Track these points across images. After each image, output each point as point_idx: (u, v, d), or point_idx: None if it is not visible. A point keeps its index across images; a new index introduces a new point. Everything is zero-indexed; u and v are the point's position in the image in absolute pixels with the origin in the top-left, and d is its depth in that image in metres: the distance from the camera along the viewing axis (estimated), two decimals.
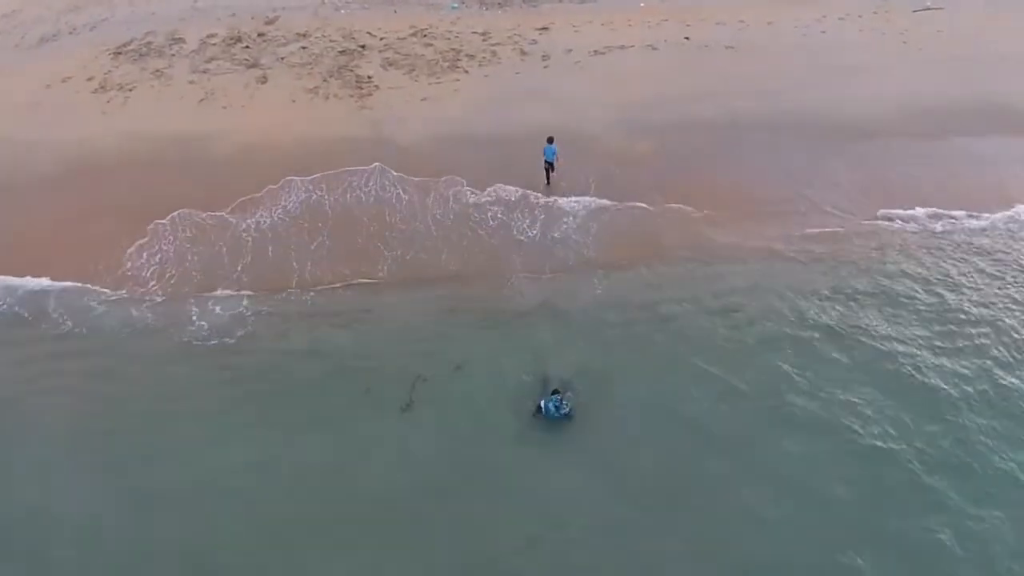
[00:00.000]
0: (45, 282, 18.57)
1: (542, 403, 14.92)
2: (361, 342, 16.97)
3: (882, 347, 16.75)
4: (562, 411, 14.89)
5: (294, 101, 24.13)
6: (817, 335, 17.03)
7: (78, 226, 19.71)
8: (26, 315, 17.79)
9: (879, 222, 20.62)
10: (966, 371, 16.24)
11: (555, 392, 15.18)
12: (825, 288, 18.35)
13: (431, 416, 15.36)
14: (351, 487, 14.20)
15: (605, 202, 20.85)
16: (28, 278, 18.59)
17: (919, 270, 18.91)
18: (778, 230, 20.03)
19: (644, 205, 20.79)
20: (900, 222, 20.60)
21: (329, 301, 18.14)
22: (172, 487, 14.21)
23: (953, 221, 20.56)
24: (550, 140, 20.38)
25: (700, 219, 20.39)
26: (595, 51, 26.47)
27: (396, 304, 17.93)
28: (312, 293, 18.38)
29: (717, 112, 23.86)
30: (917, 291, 18.29)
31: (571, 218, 20.49)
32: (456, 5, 29.10)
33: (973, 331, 17.27)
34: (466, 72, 25.47)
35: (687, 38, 27.23)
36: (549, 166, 20.78)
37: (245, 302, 18.10)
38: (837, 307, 17.79)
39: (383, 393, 15.74)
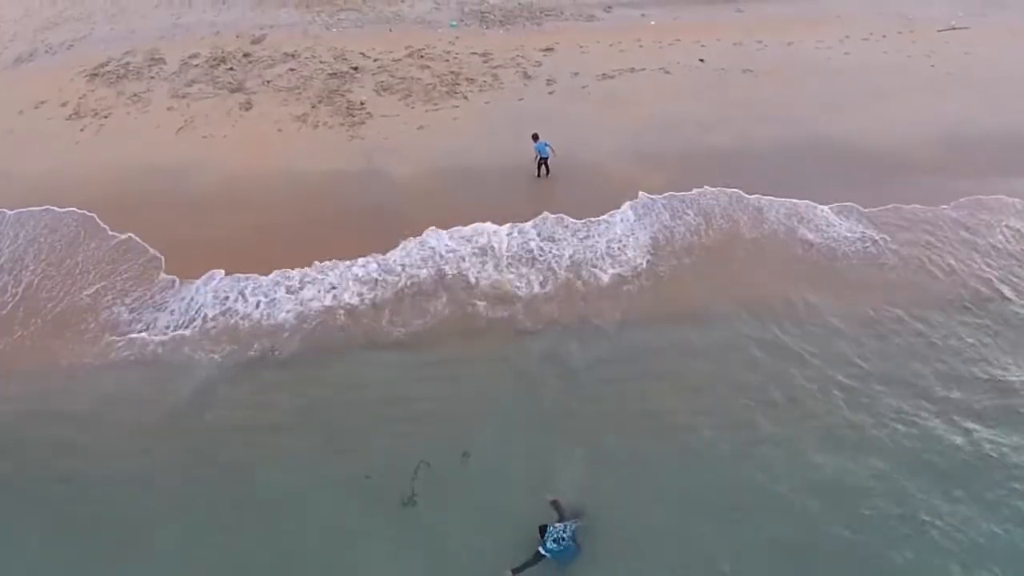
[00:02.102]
0: None
1: (542, 548, 12.66)
2: (361, 414, 15.15)
3: None
4: (565, 545, 12.71)
5: (280, 130, 22.37)
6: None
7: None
8: None
9: None
10: None
11: (560, 519, 13.10)
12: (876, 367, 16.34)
13: (433, 518, 13.51)
14: None
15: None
16: None
17: None
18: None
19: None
20: None
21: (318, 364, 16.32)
22: None
23: None
24: (535, 137, 19.92)
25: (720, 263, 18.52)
26: (603, 74, 24.71)
27: (396, 366, 16.08)
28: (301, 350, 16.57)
29: (734, 141, 22.14)
30: None
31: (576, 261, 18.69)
32: (455, 23, 27.37)
33: None
34: (465, 98, 23.72)
35: (702, 60, 25.47)
36: (544, 161, 20.11)
37: (217, 358, 16.29)
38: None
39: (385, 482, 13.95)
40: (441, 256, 18.40)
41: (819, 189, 20.33)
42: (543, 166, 20.43)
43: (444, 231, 18.97)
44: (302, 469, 14.14)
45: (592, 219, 19.47)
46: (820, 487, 13.94)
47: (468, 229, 19.03)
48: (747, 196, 20.20)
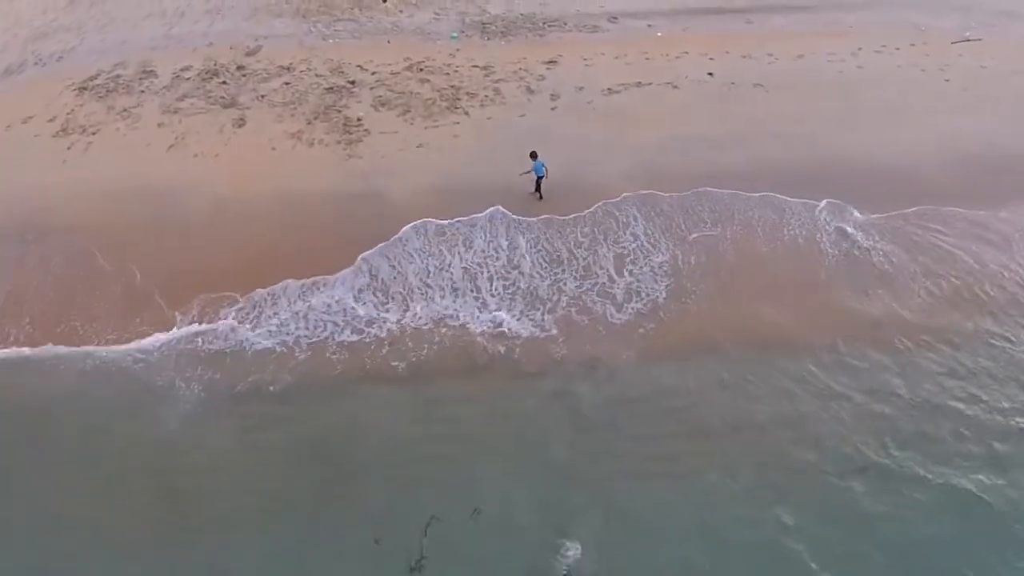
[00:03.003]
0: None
1: None
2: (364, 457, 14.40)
3: None
4: None
5: (274, 148, 21.56)
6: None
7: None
8: None
9: None
10: None
11: None
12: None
13: None
14: None
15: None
16: None
17: None
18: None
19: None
20: None
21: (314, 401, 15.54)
22: None
23: None
24: (534, 156, 19.11)
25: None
26: (609, 89, 23.89)
27: (401, 407, 15.27)
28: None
29: (747, 162, 21.36)
30: None
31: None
32: (456, 34, 26.53)
33: None
34: (466, 114, 22.90)
35: (710, 74, 24.65)
36: (539, 180, 19.51)
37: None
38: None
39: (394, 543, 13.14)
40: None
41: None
42: (539, 186, 19.70)
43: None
44: (297, 523, 13.31)
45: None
46: (851, 538, 13.20)
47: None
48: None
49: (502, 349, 16.24)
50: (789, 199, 20.00)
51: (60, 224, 19.48)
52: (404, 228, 18.98)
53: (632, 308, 17.23)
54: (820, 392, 15.63)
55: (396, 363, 16.12)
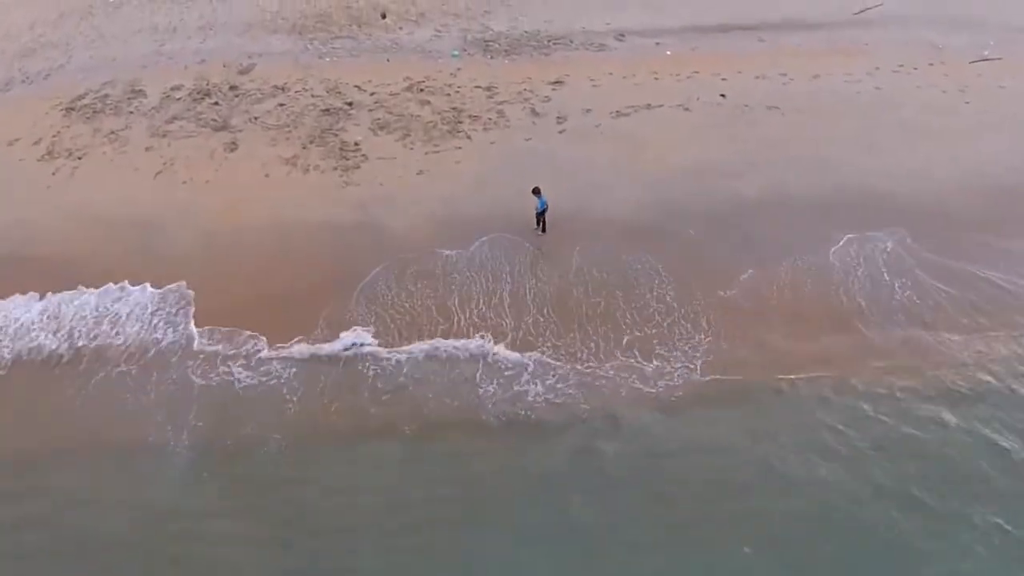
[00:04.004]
0: None
1: None
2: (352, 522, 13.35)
3: None
4: None
5: (267, 175, 20.58)
6: None
7: None
8: None
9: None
10: None
11: None
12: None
13: None
14: None
15: None
16: None
17: None
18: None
19: None
20: None
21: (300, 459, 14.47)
22: None
23: None
24: (537, 192, 18.10)
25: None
26: (617, 111, 22.90)
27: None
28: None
29: (764, 189, 20.37)
30: None
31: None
32: (457, 52, 25.55)
33: None
34: (468, 138, 21.91)
35: (723, 95, 23.66)
36: (542, 215, 18.43)
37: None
38: None
39: None
40: None
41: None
42: (542, 221, 18.69)
43: None
44: None
45: None
46: None
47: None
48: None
49: None
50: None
51: (41, 254, 18.51)
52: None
53: None
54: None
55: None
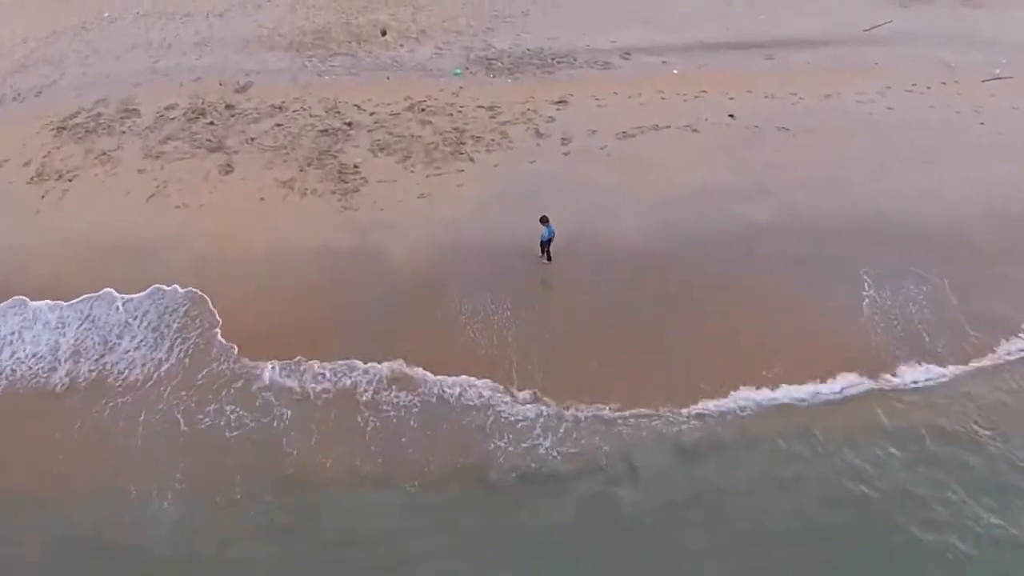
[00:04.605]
0: None
1: None
2: None
3: None
4: None
5: (263, 199, 19.95)
6: None
7: None
8: None
9: None
10: None
11: None
12: None
13: None
14: None
15: None
16: None
17: None
18: None
19: None
20: None
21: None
22: None
23: None
24: (544, 220, 17.34)
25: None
26: (623, 132, 22.29)
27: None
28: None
29: (777, 214, 19.74)
30: None
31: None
32: (459, 71, 24.94)
33: None
34: (471, 160, 21.28)
35: (732, 116, 23.05)
36: (547, 244, 17.78)
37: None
38: None
39: None
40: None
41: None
42: (547, 249, 18.05)
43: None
44: None
45: None
46: None
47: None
48: None
49: None
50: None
51: (27, 286, 17.87)
52: None
53: None
54: None
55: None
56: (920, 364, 16.20)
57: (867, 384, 15.83)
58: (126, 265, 18.16)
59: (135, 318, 17.09)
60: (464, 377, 15.75)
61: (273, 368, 15.81)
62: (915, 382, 15.84)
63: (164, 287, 17.56)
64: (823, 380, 15.82)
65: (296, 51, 26.01)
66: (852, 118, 23.17)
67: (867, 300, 17.57)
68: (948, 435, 14.82)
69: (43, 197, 20.40)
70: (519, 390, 15.60)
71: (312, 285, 17.57)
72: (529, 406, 15.20)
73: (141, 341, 16.63)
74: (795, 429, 14.82)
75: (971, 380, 15.92)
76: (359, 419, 15.10)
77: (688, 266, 18.21)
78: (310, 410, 15.22)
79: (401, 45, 26.24)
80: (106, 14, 28.52)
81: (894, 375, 16.04)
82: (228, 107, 23.29)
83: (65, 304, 17.33)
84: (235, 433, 14.64)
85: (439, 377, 15.81)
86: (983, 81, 25.87)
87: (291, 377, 15.70)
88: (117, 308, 17.19)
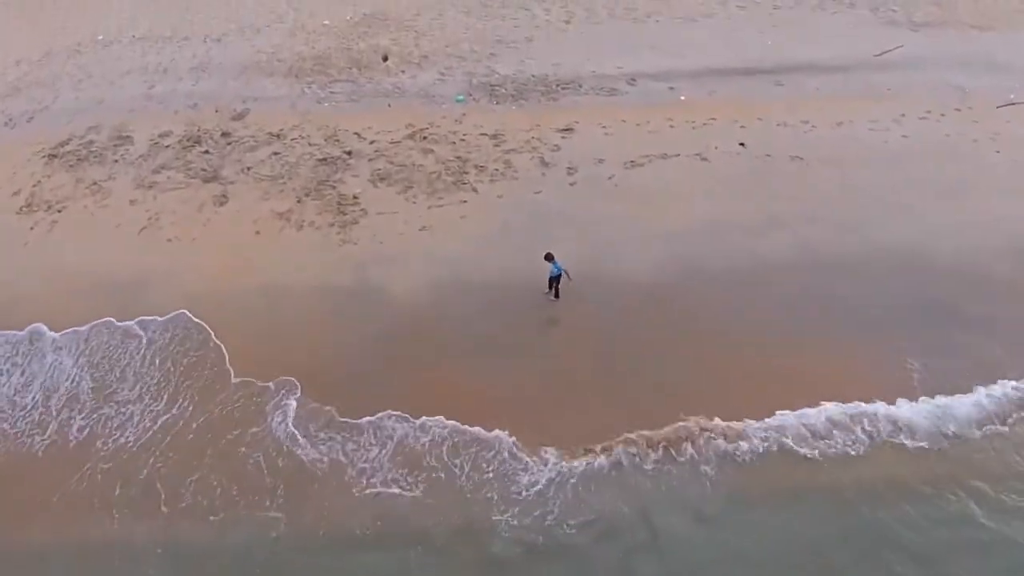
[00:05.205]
0: None
1: None
2: None
3: None
4: None
5: (258, 232, 19.25)
6: None
7: None
8: None
9: None
10: None
11: None
12: None
13: None
14: None
15: None
16: None
17: None
18: None
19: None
20: None
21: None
22: None
23: None
24: (550, 258, 16.70)
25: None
26: (631, 162, 21.62)
27: None
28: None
29: (791, 248, 19.05)
30: None
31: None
32: (462, 97, 24.31)
33: None
34: (474, 190, 20.60)
35: (742, 144, 22.40)
36: (556, 280, 17.09)
37: None
38: None
39: None
40: None
41: (887, 335, 16.96)
42: (555, 286, 17.36)
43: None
44: None
45: None
46: None
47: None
48: None
49: None
50: None
51: (14, 322, 17.17)
52: None
53: None
54: None
55: None
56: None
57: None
58: (114, 301, 17.47)
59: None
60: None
61: None
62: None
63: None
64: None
65: (295, 77, 25.37)
66: (866, 147, 22.49)
67: (882, 337, 16.76)
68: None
69: (32, 228, 19.78)
70: (525, 444, 14.76)
71: (308, 323, 16.83)
72: (535, 459, 14.36)
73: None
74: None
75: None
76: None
77: (699, 302, 17.49)
78: None
79: (403, 71, 25.60)
80: (100, 36, 27.96)
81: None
82: (224, 135, 22.65)
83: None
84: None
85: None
86: (998, 107, 25.23)
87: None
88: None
